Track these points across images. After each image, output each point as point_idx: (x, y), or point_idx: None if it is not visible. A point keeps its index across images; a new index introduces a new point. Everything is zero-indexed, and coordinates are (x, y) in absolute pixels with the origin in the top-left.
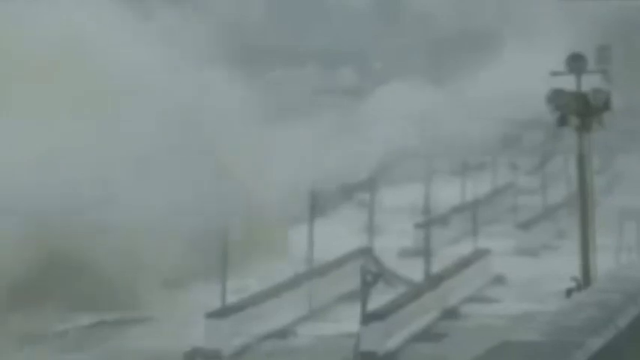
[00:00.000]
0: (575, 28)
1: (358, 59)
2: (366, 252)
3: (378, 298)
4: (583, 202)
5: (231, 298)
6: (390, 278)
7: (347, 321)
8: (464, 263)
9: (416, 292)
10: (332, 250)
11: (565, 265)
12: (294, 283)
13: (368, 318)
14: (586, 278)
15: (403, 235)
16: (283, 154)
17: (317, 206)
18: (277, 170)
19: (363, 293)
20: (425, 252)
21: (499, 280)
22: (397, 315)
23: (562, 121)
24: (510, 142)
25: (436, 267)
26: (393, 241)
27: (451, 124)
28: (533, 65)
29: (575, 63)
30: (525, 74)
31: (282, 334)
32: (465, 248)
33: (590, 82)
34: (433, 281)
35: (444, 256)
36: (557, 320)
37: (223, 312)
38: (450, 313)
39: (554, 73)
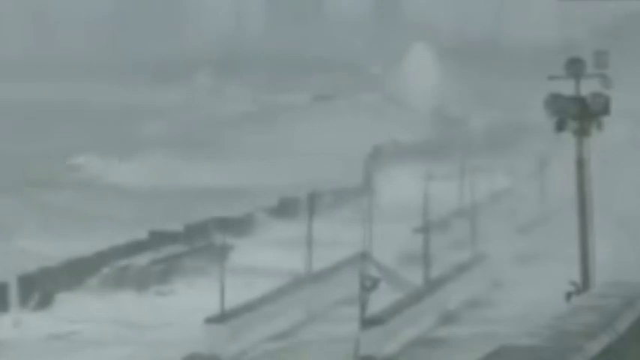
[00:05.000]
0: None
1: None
2: (365, 256)
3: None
4: (582, 207)
5: None
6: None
7: (345, 325)
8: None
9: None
10: None
11: None
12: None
13: (367, 323)
14: (585, 283)
15: None
16: None
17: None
18: None
19: (361, 298)
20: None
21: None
22: (396, 319)
23: (560, 126)
24: None
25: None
26: None
27: None
28: None
29: (574, 67)
30: None
31: (281, 338)
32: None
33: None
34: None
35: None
36: (555, 324)
37: (221, 317)
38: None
39: (552, 77)
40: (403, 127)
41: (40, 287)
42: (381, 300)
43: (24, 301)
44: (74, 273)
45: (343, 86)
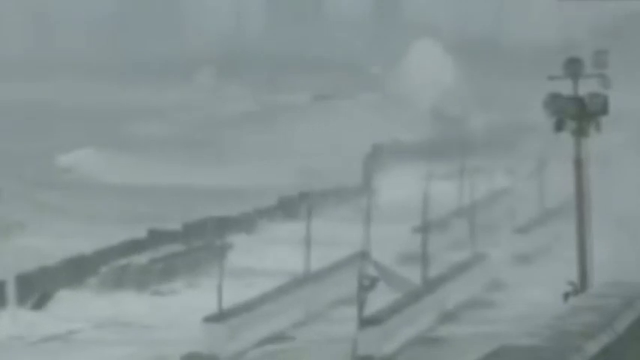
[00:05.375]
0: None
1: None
2: (364, 256)
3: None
4: (580, 207)
5: None
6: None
7: (344, 325)
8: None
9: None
10: None
11: None
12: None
13: (365, 322)
14: (583, 283)
15: None
16: None
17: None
18: None
19: (359, 297)
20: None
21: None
22: (394, 319)
23: (559, 126)
24: None
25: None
26: None
27: None
28: None
29: (572, 66)
30: None
31: (279, 338)
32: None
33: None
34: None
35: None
36: (554, 324)
37: (220, 317)
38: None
39: (551, 77)
40: (403, 127)
41: (38, 286)
42: (379, 299)
43: (22, 300)
44: (73, 272)
45: (343, 86)
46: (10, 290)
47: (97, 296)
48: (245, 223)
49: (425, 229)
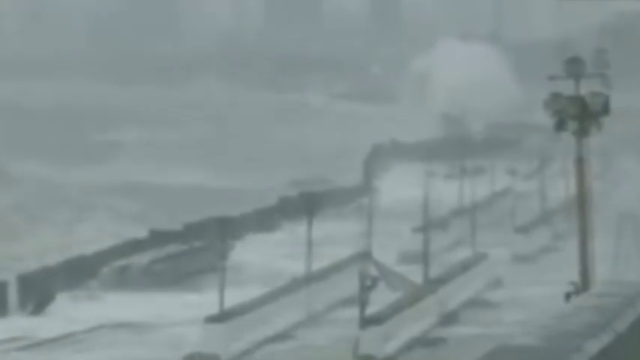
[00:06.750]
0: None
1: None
2: (366, 256)
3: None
4: (582, 206)
5: None
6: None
7: (345, 325)
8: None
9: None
10: None
11: None
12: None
13: (366, 322)
14: (584, 282)
15: None
16: None
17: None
18: None
19: (361, 297)
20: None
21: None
22: (395, 319)
23: (560, 126)
24: None
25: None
26: None
27: None
28: None
29: (573, 66)
30: None
31: (280, 338)
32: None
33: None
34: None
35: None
36: (554, 324)
37: (221, 317)
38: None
39: (552, 78)
40: (404, 126)
41: (39, 287)
42: (380, 299)
43: (23, 300)
44: (74, 272)
45: (344, 86)
46: (12, 291)
47: (98, 297)
48: (245, 222)
49: (425, 228)
